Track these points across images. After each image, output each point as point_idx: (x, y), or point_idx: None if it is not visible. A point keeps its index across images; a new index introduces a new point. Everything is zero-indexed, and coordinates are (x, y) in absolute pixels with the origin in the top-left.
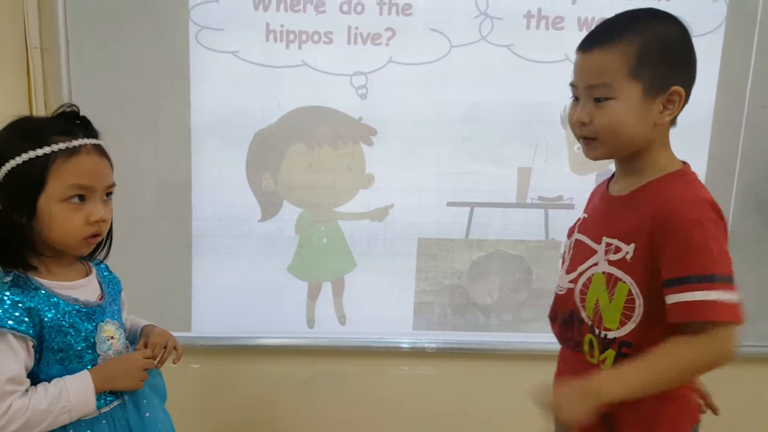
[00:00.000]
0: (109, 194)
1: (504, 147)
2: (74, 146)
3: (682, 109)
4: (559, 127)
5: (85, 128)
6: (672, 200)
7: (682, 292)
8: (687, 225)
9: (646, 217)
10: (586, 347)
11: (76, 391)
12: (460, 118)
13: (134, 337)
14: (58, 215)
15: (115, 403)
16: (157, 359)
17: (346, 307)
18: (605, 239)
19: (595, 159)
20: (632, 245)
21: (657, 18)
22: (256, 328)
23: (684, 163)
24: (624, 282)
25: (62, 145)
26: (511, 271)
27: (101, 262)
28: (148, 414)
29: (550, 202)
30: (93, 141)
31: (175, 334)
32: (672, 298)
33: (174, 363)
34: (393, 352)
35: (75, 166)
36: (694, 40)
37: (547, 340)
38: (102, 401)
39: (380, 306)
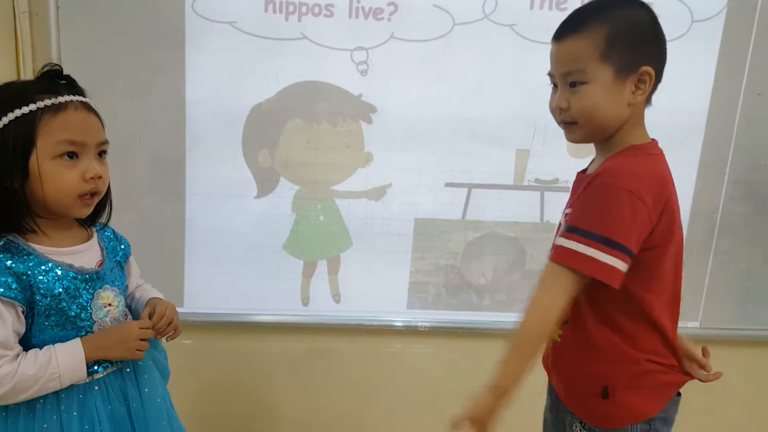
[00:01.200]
0: (103, 153)
1: (503, 128)
2: (60, 102)
3: (654, 89)
4: None
5: (71, 86)
6: (608, 167)
7: (561, 236)
8: (601, 185)
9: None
10: None
11: (65, 359)
12: (460, 97)
13: (141, 307)
14: (51, 173)
15: (111, 370)
16: (156, 330)
17: (341, 286)
18: (566, 210)
19: (575, 142)
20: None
21: (623, 4)
22: (250, 305)
23: (653, 140)
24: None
25: (48, 102)
26: (505, 253)
27: (105, 225)
28: (147, 389)
29: (547, 185)
30: (80, 98)
31: None
32: (558, 240)
33: (167, 340)
34: (387, 331)
35: (63, 122)
36: (696, 26)
37: None
38: (96, 367)
39: (375, 285)
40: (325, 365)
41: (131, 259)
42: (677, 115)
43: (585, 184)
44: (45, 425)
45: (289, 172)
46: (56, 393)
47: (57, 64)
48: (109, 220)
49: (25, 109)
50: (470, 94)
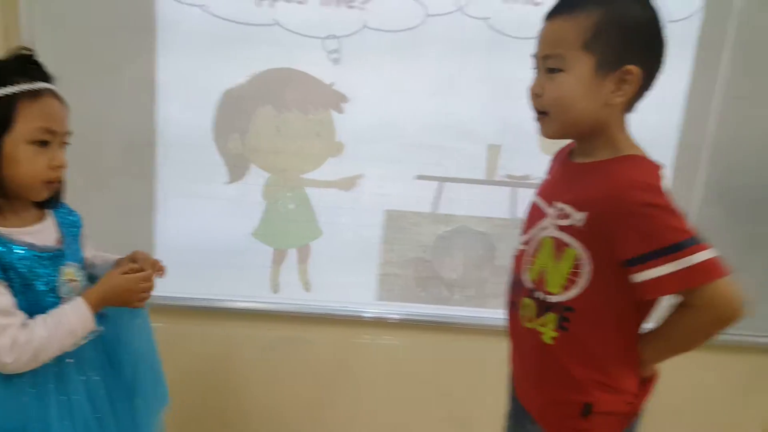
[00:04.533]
0: (65, 143)
1: (475, 123)
2: (38, 89)
3: (641, 94)
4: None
5: (41, 72)
6: (627, 182)
7: (649, 268)
8: (641, 205)
9: (600, 193)
10: (522, 311)
11: (72, 313)
12: (432, 90)
13: (109, 267)
14: (24, 156)
15: (81, 342)
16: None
17: (311, 275)
18: (557, 204)
19: (548, 137)
20: (584, 213)
21: None
22: (220, 290)
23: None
24: (572, 248)
25: (27, 86)
26: (475, 247)
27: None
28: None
29: (518, 181)
30: (51, 86)
31: None
32: (640, 276)
33: (160, 277)
34: (355, 321)
35: (41, 109)
36: (669, 26)
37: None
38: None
39: (345, 275)
40: (293, 353)
41: (84, 229)
42: (651, 115)
43: (590, 188)
44: (23, 398)
45: (260, 158)
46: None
47: (30, 48)
48: (59, 203)
49: (9, 90)
50: (442, 87)
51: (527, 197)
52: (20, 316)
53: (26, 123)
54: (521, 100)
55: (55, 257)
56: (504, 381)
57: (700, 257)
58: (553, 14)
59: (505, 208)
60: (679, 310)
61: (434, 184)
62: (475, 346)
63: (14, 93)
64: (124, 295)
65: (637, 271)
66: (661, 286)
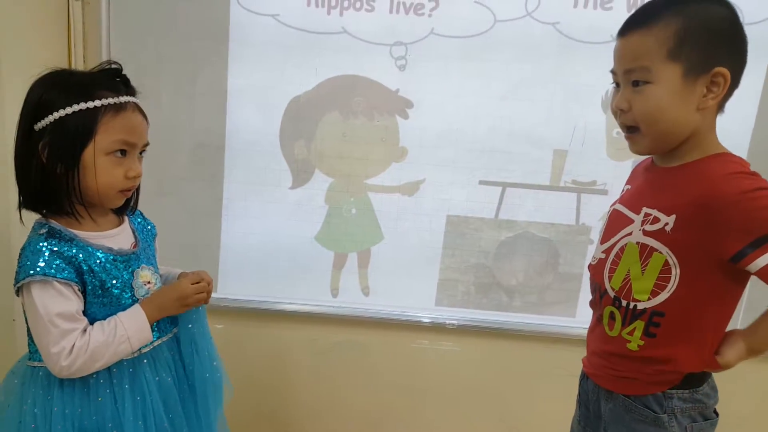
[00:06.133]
0: (142, 152)
1: (541, 128)
2: (122, 102)
3: (730, 94)
4: (599, 110)
5: (127, 86)
6: (720, 178)
7: (761, 255)
8: (745, 192)
9: (692, 194)
10: (605, 320)
11: (129, 321)
12: (499, 95)
13: (173, 280)
14: (102, 167)
15: (157, 343)
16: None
17: (371, 279)
18: (645, 209)
19: (639, 153)
20: (673, 216)
21: None
22: (281, 293)
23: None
24: (660, 252)
25: (111, 100)
26: (538, 254)
27: (134, 212)
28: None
29: (584, 187)
30: (135, 99)
31: None
32: (758, 264)
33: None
34: (414, 326)
35: (123, 122)
36: (746, 29)
37: (569, 323)
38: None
39: (405, 280)
40: (351, 357)
41: (156, 240)
42: (722, 122)
43: (680, 190)
44: (99, 398)
45: (324, 164)
46: (108, 368)
47: (117, 63)
48: (134, 210)
49: (90, 104)
50: (509, 92)
51: (593, 203)
52: (84, 321)
53: (107, 135)
54: (589, 105)
55: (130, 260)
56: (563, 388)
57: None
58: (627, 30)
59: (570, 215)
60: None
61: (497, 189)
62: (533, 353)
63: (98, 106)
64: (179, 302)
65: (751, 261)
66: None
